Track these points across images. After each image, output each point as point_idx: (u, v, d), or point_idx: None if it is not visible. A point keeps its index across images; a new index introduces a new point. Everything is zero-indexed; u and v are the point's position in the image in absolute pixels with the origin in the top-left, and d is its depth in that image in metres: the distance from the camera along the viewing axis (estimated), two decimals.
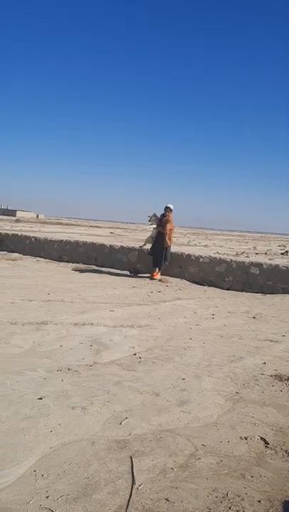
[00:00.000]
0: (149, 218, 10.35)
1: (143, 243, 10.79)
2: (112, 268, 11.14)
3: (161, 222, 10.21)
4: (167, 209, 10.34)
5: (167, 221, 10.14)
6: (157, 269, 10.19)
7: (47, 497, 2.19)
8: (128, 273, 10.73)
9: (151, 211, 10.53)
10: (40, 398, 3.24)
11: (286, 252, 17.99)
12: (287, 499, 2.24)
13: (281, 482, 2.39)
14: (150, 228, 10.45)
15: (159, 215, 10.43)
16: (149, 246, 10.46)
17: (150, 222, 10.34)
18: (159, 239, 10.13)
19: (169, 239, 10.16)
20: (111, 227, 44.71)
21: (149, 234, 10.68)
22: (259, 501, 2.22)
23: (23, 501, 2.15)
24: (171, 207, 10.36)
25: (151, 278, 10.02)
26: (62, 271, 10.64)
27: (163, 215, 10.34)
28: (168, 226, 10.08)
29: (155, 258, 10.21)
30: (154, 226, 10.22)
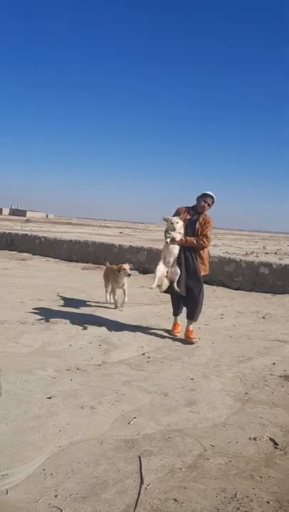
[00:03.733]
0: (169, 222, 5.06)
1: (154, 282, 5.07)
2: None
3: (193, 226, 5.13)
4: (205, 198, 5.19)
5: (207, 223, 5.15)
6: (177, 319, 5.56)
7: (56, 496, 2.20)
8: (137, 273, 10.72)
9: (167, 212, 5.28)
10: (50, 397, 3.26)
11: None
12: None
13: None
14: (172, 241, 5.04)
15: (179, 213, 5.22)
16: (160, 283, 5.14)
17: (172, 226, 5.01)
18: (188, 261, 5.12)
19: (205, 270, 5.26)
20: (120, 227, 44.76)
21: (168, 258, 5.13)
22: (268, 502, 2.21)
23: (32, 500, 2.17)
24: (214, 197, 5.23)
25: (173, 333, 5.43)
26: (72, 271, 10.68)
27: (194, 211, 5.24)
28: (209, 234, 5.16)
29: (182, 299, 5.36)
30: (178, 236, 5.00)
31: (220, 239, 26.54)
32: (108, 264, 7.38)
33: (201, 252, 5.17)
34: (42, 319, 5.55)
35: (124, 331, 5.27)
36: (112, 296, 6.79)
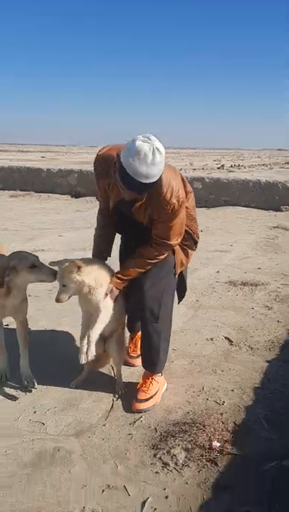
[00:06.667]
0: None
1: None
2: (51, 193, 10.76)
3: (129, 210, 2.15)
4: (130, 182, 1.91)
5: (166, 212, 2.09)
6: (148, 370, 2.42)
7: (34, 412, 2.28)
8: (69, 197, 10.45)
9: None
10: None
11: (222, 166, 18.26)
12: (256, 386, 2.48)
13: (249, 373, 2.64)
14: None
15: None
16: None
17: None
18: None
19: (186, 261, 2.42)
20: (41, 151, 42.55)
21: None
22: (232, 390, 2.45)
23: (12, 419, 2.22)
24: (157, 158, 1.87)
25: (139, 409, 2.27)
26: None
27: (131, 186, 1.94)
28: (176, 236, 2.21)
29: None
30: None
31: None
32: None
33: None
34: None
35: (69, 256, 5.21)
36: None
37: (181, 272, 2.44)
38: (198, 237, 2.42)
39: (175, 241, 2.23)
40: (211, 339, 3.09)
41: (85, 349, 2.25)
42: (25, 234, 6.42)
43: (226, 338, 3.11)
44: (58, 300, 2.22)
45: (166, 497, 1.71)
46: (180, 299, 2.59)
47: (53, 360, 2.76)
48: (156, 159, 1.88)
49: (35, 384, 2.46)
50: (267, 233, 6.64)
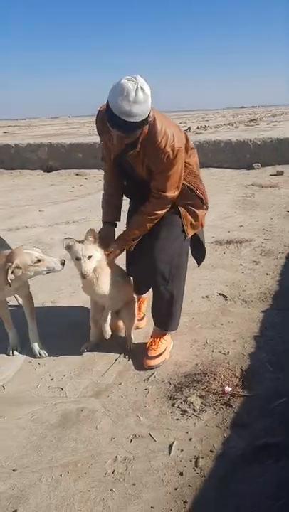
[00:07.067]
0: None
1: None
2: (22, 169, 10.58)
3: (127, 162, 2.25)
4: (117, 123, 1.96)
5: (162, 161, 2.12)
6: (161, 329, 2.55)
7: (52, 379, 2.39)
8: (42, 171, 10.30)
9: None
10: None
11: (188, 128, 18.16)
12: (255, 334, 2.66)
13: (247, 324, 2.81)
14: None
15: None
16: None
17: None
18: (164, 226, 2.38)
19: (197, 223, 2.48)
20: (1, 126, 41.08)
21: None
22: (234, 341, 2.62)
23: (32, 387, 2.33)
24: (145, 88, 1.90)
25: (150, 365, 2.40)
26: None
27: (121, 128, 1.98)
28: (176, 175, 2.20)
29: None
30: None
31: None
32: None
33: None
34: None
35: (53, 230, 5.25)
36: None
37: (197, 235, 2.55)
38: (203, 195, 2.42)
39: (172, 193, 2.26)
40: (207, 296, 3.24)
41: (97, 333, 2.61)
42: (5, 212, 6.36)
43: (220, 294, 3.27)
44: (85, 274, 2.29)
45: (190, 439, 1.88)
46: (200, 262, 2.73)
47: (60, 330, 2.87)
48: (138, 97, 1.90)
49: (46, 354, 2.60)
50: (243, 191, 6.79)
